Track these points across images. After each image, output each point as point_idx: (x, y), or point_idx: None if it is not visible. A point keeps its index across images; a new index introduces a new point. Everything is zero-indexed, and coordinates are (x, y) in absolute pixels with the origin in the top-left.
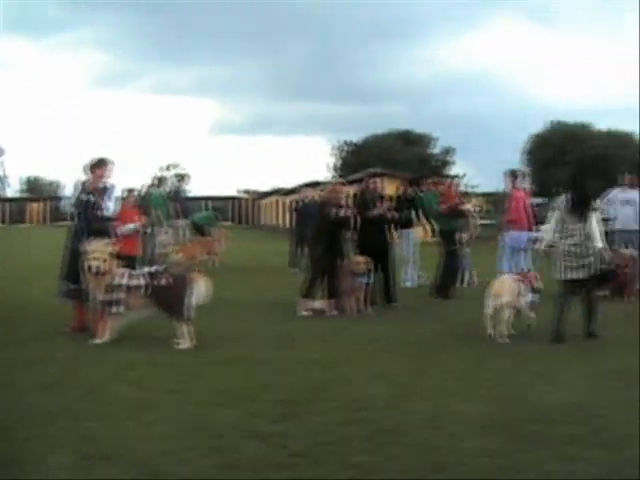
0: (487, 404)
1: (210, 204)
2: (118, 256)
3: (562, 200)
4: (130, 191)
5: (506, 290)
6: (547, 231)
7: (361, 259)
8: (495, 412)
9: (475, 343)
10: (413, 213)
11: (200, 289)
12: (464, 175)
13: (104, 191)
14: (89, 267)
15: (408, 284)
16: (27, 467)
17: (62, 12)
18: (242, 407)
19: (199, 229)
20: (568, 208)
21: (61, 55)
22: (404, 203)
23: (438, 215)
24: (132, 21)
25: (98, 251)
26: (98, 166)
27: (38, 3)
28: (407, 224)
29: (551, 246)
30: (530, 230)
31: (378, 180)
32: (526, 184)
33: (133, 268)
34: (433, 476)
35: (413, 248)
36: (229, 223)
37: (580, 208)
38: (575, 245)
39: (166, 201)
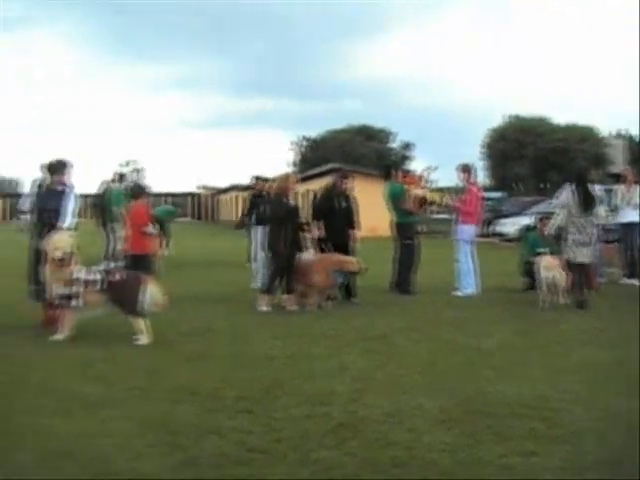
0: (446, 398)
1: (170, 200)
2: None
3: (568, 195)
4: (140, 190)
5: (554, 265)
6: (553, 224)
7: (354, 259)
8: (454, 406)
9: (434, 338)
10: None
11: (153, 291)
12: (436, 168)
13: (61, 194)
14: (52, 257)
15: None
16: None
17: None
18: (202, 403)
19: (160, 223)
20: (576, 202)
21: (22, 50)
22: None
23: (398, 208)
24: (93, 19)
25: (62, 241)
26: (56, 169)
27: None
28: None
29: (558, 235)
30: (480, 224)
31: (349, 180)
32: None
33: (148, 267)
34: (393, 471)
35: None
36: (188, 219)
37: (587, 202)
38: (582, 235)
39: (125, 197)
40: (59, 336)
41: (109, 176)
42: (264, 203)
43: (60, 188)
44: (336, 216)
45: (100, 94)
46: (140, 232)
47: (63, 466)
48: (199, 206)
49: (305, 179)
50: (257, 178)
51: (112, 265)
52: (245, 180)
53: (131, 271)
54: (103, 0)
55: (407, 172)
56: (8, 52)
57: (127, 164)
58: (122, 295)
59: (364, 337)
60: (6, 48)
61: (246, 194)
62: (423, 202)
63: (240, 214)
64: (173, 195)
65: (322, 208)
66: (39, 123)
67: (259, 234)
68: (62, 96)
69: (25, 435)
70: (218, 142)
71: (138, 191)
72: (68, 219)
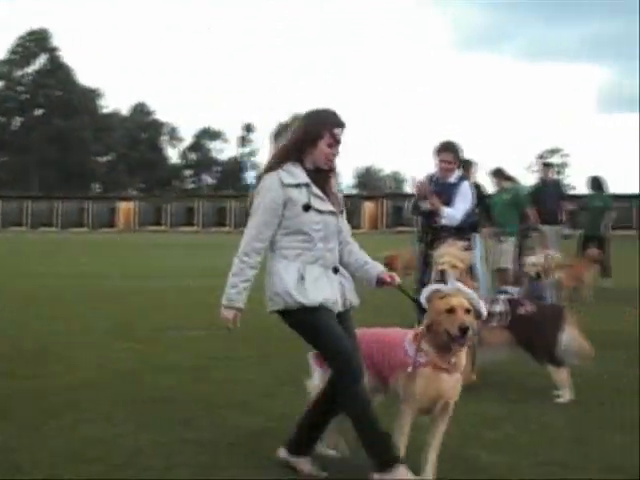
0: None
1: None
2: None
3: None
4: None
5: None
6: None
7: None
8: None
9: None
10: None
11: (574, 333)
12: None
13: (450, 187)
14: (438, 273)
15: None
16: None
17: None
18: None
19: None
20: None
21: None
22: None
23: None
24: None
25: (448, 255)
26: (440, 153)
27: None
28: None
29: None
30: None
31: None
32: None
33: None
34: None
35: None
36: (633, 232)
37: None
38: None
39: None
40: None
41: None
42: None
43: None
44: None
45: (511, 63)
46: None
47: None
48: None
49: None
50: None
51: (516, 293)
52: None
53: (546, 303)
54: None
55: None
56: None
57: (542, 156)
58: (531, 335)
59: None
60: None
61: None
62: None
63: None
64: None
65: None
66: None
67: None
68: (469, 63)
69: None
70: None
71: None
72: (452, 220)
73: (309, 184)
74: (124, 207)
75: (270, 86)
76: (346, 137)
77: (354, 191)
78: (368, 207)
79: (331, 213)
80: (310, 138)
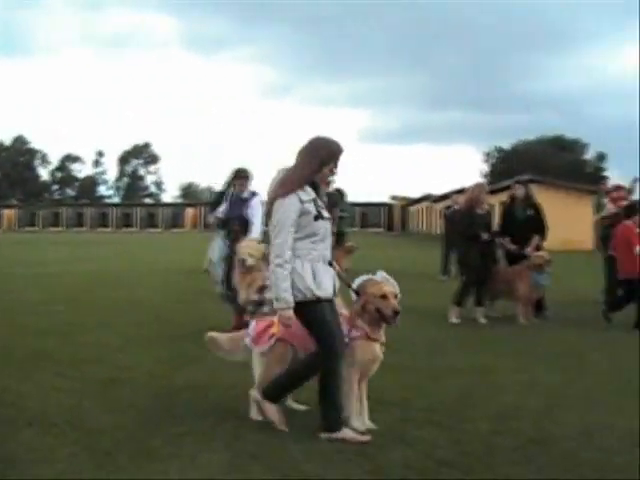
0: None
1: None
2: None
3: None
4: None
5: None
6: None
7: (542, 252)
8: None
9: (633, 357)
10: None
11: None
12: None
13: (244, 201)
14: (240, 261)
15: None
16: None
17: (231, 29)
18: (392, 412)
19: (340, 235)
20: None
21: (230, 69)
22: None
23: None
24: (293, 36)
25: (249, 247)
26: (237, 177)
27: (208, 22)
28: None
29: None
30: None
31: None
32: None
33: None
34: None
35: None
36: (381, 229)
37: None
38: None
39: None
40: None
41: None
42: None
43: (244, 195)
44: (519, 227)
45: (296, 109)
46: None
47: None
48: (390, 217)
49: (496, 191)
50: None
51: None
52: (437, 191)
53: None
54: (296, 18)
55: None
56: (200, 74)
57: None
58: None
59: (554, 352)
60: (199, 70)
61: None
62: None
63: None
64: (364, 205)
65: (505, 220)
66: (237, 136)
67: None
68: (263, 110)
69: None
70: (410, 154)
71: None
72: (257, 228)
73: (316, 199)
74: (7, 213)
75: (115, 121)
76: (174, 162)
77: (179, 200)
78: (190, 212)
79: (328, 219)
80: (320, 166)
